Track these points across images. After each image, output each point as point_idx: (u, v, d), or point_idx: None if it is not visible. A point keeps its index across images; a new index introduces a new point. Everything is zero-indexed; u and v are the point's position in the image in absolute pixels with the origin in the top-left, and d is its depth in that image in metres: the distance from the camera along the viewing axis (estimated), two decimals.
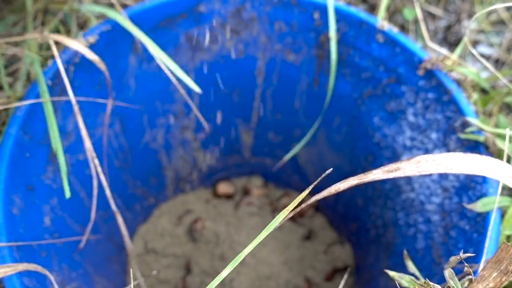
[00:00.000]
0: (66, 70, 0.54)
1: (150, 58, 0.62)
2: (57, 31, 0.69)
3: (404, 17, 0.81)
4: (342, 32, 0.61)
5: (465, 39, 0.58)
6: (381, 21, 0.59)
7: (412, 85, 0.58)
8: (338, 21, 0.60)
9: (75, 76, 0.56)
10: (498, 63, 0.83)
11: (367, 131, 0.67)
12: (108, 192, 0.56)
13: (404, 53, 0.58)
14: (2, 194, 0.47)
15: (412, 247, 0.60)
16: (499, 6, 0.53)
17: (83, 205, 0.63)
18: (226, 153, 0.83)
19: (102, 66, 0.54)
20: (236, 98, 0.73)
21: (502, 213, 0.50)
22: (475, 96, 0.65)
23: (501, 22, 0.87)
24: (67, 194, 0.52)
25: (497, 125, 0.60)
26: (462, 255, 0.38)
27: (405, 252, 0.49)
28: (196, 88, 0.56)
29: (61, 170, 0.52)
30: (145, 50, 0.61)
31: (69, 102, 0.56)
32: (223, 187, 0.87)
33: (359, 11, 0.59)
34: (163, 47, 0.61)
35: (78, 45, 0.53)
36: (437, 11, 0.87)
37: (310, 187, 0.35)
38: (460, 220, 0.53)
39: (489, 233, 0.47)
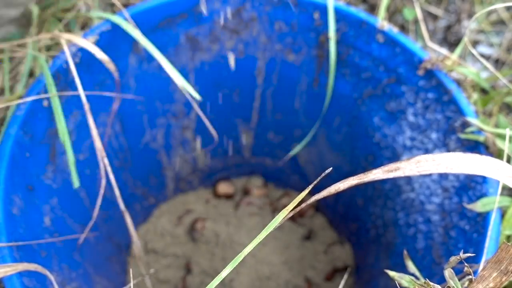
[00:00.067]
0: (66, 70, 0.54)
1: (150, 58, 0.62)
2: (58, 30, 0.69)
3: (404, 17, 0.81)
4: (342, 32, 0.61)
5: (465, 39, 0.58)
6: (381, 21, 0.59)
7: (412, 85, 0.58)
8: (338, 21, 0.60)
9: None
10: (498, 63, 0.83)
11: (367, 131, 0.67)
12: (116, 191, 0.57)
13: (404, 53, 0.58)
14: (2, 194, 0.47)
15: (412, 247, 0.60)
16: (499, 6, 0.53)
17: (83, 205, 0.63)
18: (226, 153, 0.83)
19: (111, 66, 0.54)
20: (236, 98, 0.73)
21: (502, 213, 0.50)
22: (475, 96, 0.65)
23: (501, 22, 0.87)
24: (76, 184, 0.53)
25: (497, 125, 0.60)
26: (462, 255, 0.38)
27: (405, 252, 0.49)
28: (196, 95, 0.56)
29: (68, 160, 0.52)
30: (145, 50, 0.61)
31: (69, 102, 0.56)
32: (223, 187, 0.87)
33: (359, 11, 0.59)
34: (163, 47, 0.61)
35: (88, 43, 0.53)
36: (437, 11, 0.87)
37: (310, 187, 0.35)
38: (460, 220, 0.53)
39: (489, 233, 0.47)
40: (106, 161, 0.54)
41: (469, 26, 0.82)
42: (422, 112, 0.58)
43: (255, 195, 0.86)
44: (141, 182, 0.76)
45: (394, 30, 0.58)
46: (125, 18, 0.57)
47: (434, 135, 0.57)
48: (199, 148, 0.80)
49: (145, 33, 0.58)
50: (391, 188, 0.66)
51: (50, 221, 0.55)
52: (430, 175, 0.58)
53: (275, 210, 0.86)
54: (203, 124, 0.75)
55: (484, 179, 0.51)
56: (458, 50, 0.58)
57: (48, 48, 0.67)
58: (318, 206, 0.86)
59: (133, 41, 0.60)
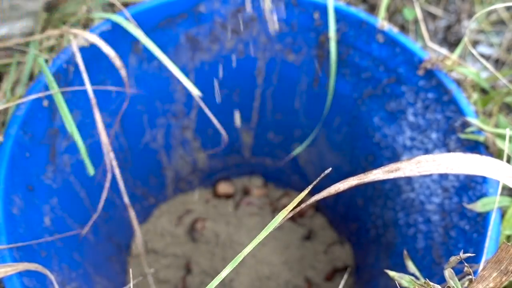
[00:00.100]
0: (66, 70, 0.54)
1: (150, 58, 0.62)
2: None
3: (404, 17, 0.81)
4: (342, 32, 0.61)
5: (465, 39, 0.58)
6: (381, 21, 0.59)
7: (412, 85, 0.58)
8: (338, 21, 0.60)
9: (75, 76, 0.56)
10: (498, 63, 0.83)
11: (367, 131, 0.67)
12: (122, 185, 0.57)
13: (404, 53, 0.58)
14: (2, 194, 0.47)
15: (412, 247, 0.60)
16: (499, 6, 0.52)
17: (83, 205, 0.63)
18: (226, 153, 0.83)
19: (117, 62, 0.54)
20: (236, 98, 0.73)
21: (502, 213, 0.50)
22: (475, 96, 0.65)
23: (501, 22, 0.87)
24: (91, 171, 0.54)
25: (497, 125, 0.60)
26: (462, 255, 0.38)
27: (405, 252, 0.49)
28: (195, 91, 0.56)
29: (80, 150, 0.53)
30: (145, 50, 0.61)
31: (69, 102, 0.56)
32: (223, 187, 0.87)
33: (359, 11, 0.59)
34: (163, 47, 0.61)
35: (96, 38, 0.54)
36: (437, 11, 0.87)
37: (310, 187, 0.35)
38: (460, 220, 0.53)
39: (489, 233, 0.47)
40: (112, 155, 0.55)
41: (469, 26, 0.82)
42: (422, 112, 0.58)
43: (255, 195, 0.86)
44: (141, 182, 0.76)
45: (394, 30, 0.58)
46: (126, 18, 0.57)
47: (434, 135, 0.57)
48: (199, 148, 0.80)
49: (145, 33, 0.58)
50: (391, 188, 0.66)
51: (50, 221, 0.55)
52: (430, 175, 0.58)
53: (275, 210, 0.86)
54: (203, 124, 0.75)
55: (484, 179, 0.51)
56: (458, 50, 0.58)
57: (51, 49, 0.67)
58: (318, 206, 0.86)
59: (133, 41, 0.60)
